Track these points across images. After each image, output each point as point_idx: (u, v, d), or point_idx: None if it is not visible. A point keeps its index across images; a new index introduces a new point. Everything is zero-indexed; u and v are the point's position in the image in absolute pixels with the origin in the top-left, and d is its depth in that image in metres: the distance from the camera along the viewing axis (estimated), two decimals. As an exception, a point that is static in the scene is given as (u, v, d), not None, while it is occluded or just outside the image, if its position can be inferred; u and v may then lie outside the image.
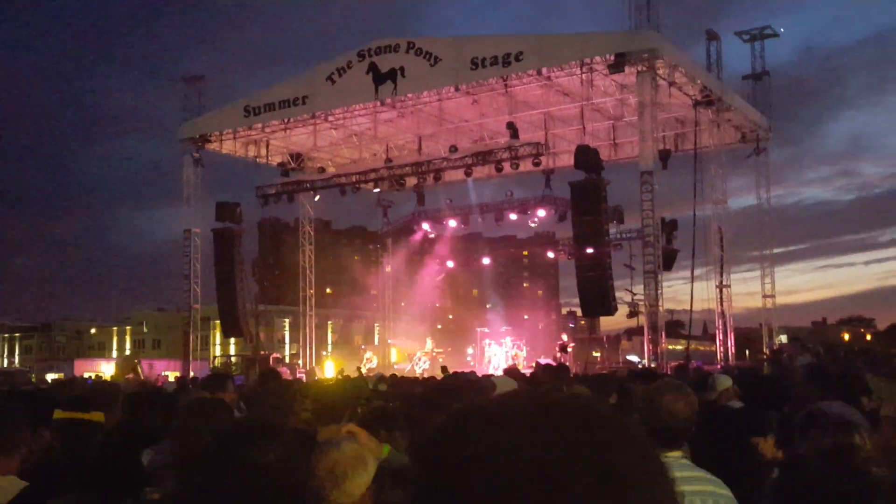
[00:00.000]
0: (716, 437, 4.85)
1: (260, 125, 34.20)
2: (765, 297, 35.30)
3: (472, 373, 13.66)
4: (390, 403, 6.01)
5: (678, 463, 3.72)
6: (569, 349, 35.81)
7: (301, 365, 39.16)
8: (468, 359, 40.19)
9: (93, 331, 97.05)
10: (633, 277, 37.29)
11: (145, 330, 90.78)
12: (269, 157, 36.44)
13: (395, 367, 38.22)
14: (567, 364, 16.30)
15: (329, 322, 72.39)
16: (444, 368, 23.99)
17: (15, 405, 4.37)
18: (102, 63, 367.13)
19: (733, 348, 33.30)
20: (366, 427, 3.57)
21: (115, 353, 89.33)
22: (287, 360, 44.78)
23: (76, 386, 11.75)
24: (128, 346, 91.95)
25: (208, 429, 3.05)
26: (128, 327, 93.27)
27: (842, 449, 3.04)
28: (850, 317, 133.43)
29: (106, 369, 56.36)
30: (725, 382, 8.53)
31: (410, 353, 39.32)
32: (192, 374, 33.43)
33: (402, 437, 4.42)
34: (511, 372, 13.74)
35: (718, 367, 28.16)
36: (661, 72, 27.66)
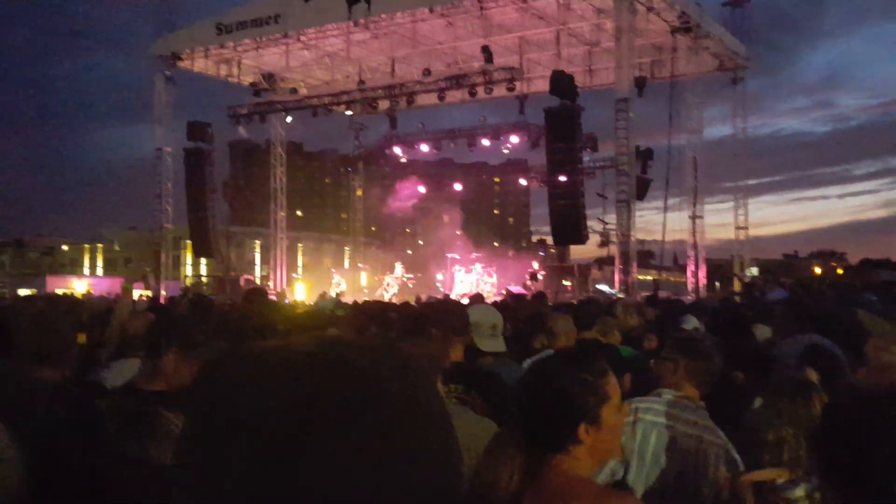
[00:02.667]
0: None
1: (232, 44, 33.40)
2: (737, 228, 35.27)
3: (446, 296, 13.58)
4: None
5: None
6: (539, 277, 35.84)
7: (272, 287, 39.00)
8: (438, 285, 40.14)
9: (64, 247, 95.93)
10: (606, 206, 37.38)
11: (116, 248, 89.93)
12: (241, 77, 35.80)
13: (365, 291, 38.21)
14: (544, 292, 16.28)
15: (299, 245, 72.01)
16: (417, 299, 23.84)
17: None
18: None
19: (704, 280, 33.45)
20: None
21: (86, 271, 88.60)
22: (258, 281, 44.67)
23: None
24: (99, 263, 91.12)
25: None
26: (99, 245, 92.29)
27: None
28: (821, 250, 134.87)
29: (78, 286, 55.98)
30: (692, 323, 8.60)
31: (380, 277, 39.25)
32: (163, 293, 33.30)
33: None
34: (476, 300, 13.56)
35: (689, 298, 28.39)
36: (639, -4, 27.22)
